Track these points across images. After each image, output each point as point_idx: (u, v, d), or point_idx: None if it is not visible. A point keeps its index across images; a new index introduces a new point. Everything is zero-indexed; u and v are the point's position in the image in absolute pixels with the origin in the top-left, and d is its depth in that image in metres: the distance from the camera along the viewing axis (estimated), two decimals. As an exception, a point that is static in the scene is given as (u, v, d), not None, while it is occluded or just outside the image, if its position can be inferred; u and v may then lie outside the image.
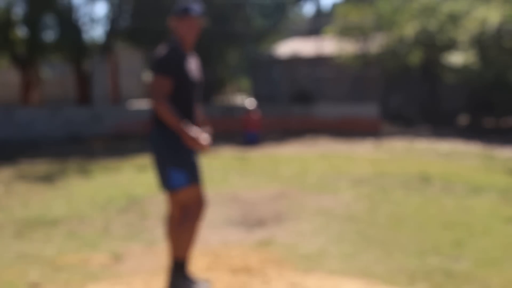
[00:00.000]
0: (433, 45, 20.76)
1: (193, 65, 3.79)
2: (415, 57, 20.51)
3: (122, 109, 18.10)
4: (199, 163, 3.74)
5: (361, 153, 12.45)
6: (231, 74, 26.28)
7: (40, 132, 15.61)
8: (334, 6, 29.85)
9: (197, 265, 4.28)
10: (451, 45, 19.62)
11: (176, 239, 3.63)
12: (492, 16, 16.94)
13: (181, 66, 3.65)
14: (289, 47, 28.39)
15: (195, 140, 3.52)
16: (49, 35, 18.97)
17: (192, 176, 3.61)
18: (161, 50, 3.68)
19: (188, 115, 3.69)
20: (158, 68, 3.58)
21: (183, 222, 3.61)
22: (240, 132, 15.51)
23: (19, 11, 18.96)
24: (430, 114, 22.19)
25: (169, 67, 3.58)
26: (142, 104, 20.53)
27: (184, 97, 3.66)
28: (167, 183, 3.61)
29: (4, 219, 5.97)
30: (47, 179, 8.76)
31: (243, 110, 16.91)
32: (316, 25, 25.58)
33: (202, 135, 3.58)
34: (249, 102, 16.43)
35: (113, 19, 19.71)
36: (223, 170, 9.58)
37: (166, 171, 3.60)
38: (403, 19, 21.07)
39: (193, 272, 3.96)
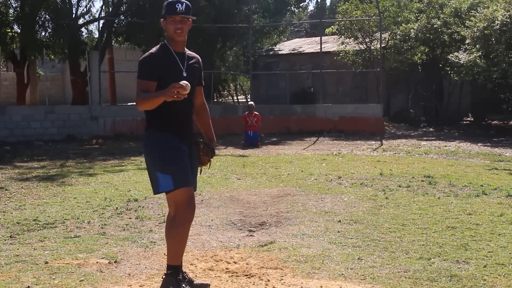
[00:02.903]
0: (438, 43, 20.66)
1: (186, 64, 3.66)
2: (420, 55, 20.39)
3: (119, 109, 17.99)
4: (191, 166, 3.66)
5: (364, 154, 12.35)
6: (231, 73, 26.18)
7: (36, 132, 15.49)
8: (337, 3, 29.77)
9: (197, 268, 4.20)
10: (456, 43, 19.52)
11: (167, 245, 3.64)
12: (498, 14, 16.81)
13: (166, 67, 3.55)
14: (291, 46, 28.33)
15: (173, 90, 3.29)
16: (45, 32, 18.90)
17: (179, 180, 3.54)
18: (147, 53, 3.63)
19: (179, 116, 3.62)
20: (139, 72, 3.55)
21: (171, 228, 3.60)
22: (240, 132, 15.41)
23: (14, 8, 18.89)
24: (435, 114, 22.08)
25: (150, 70, 3.52)
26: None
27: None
28: (154, 186, 3.63)
29: (-1, 220, 5.86)
30: (43, 180, 8.66)
31: (243, 110, 16.81)
32: (319, 23, 25.48)
33: (179, 83, 3.32)
34: (249, 102, 16.33)
35: (110, 17, 19.61)
36: (223, 170, 9.48)
37: (154, 175, 3.60)
38: (408, 16, 20.97)
39: (192, 275, 3.87)
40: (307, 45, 27.13)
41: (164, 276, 3.65)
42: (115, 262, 4.39)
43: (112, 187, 7.94)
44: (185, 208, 3.57)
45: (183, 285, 3.58)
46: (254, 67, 23.59)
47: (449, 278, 3.93)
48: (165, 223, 3.82)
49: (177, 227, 3.57)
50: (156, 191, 3.63)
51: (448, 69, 20.06)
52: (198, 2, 18.94)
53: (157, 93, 3.43)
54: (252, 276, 4.02)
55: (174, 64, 3.59)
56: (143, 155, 3.73)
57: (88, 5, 38.47)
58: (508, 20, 16.43)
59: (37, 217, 5.94)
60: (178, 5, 3.56)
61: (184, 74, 3.60)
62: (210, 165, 3.89)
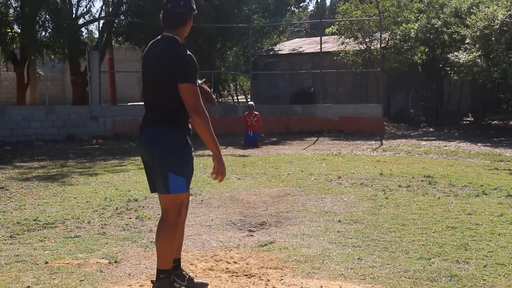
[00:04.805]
0: (438, 43, 20.64)
1: None
2: (420, 55, 20.38)
3: (119, 109, 17.98)
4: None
5: (364, 154, 12.35)
6: (231, 73, 26.18)
7: (36, 132, 15.49)
8: (337, 3, 29.74)
9: (197, 268, 4.20)
10: (456, 43, 19.50)
11: (161, 249, 3.48)
12: (499, 13, 16.79)
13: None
14: (291, 46, 28.31)
15: (223, 169, 3.40)
16: (45, 32, 18.89)
17: (189, 183, 3.50)
18: (187, 51, 3.41)
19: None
20: (191, 75, 3.35)
21: (167, 231, 3.45)
22: (240, 132, 15.41)
23: (14, 8, 18.87)
24: (435, 114, 22.06)
25: (196, 73, 3.40)
26: (139, 103, 20.48)
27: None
28: (165, 186, 3.39)
29: (-1, 220, 5.86)
30: (43, 180, 8.65)
31: (243, 110, 16.81)
32: (319, 23, 25.47)
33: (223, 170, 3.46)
34: (249, 102, 16.32)
35: (110, 17, 19.60)
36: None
37: (164, 174, 3.38)
38: (408, 16, 20.95)
39: (192, 275, 3.86)
40: (307, 45, 27.11)
41: (155, 281, 3.52)
42: (115, 262, 4.38)
43: (112, 187, 7.93)
44: (181, 210, 3.53)
45: (177, 285, 3.56)
46: (254, 67, 23.57)
47: (449, 278, 3.93)
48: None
49: (173, 229, 3.46)
50: (165, 191, 3.39)
51: (448, 69, 20.04)
52: (198, 2, 18.93)
53: (217, 144, 3.40)
54: (252, 276, 4.01)
55: None
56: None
57: (88, 5, 38.56)
58: (508, 20, 16.42)
59: (37, 217, 5.93)
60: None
61: None
62: None
